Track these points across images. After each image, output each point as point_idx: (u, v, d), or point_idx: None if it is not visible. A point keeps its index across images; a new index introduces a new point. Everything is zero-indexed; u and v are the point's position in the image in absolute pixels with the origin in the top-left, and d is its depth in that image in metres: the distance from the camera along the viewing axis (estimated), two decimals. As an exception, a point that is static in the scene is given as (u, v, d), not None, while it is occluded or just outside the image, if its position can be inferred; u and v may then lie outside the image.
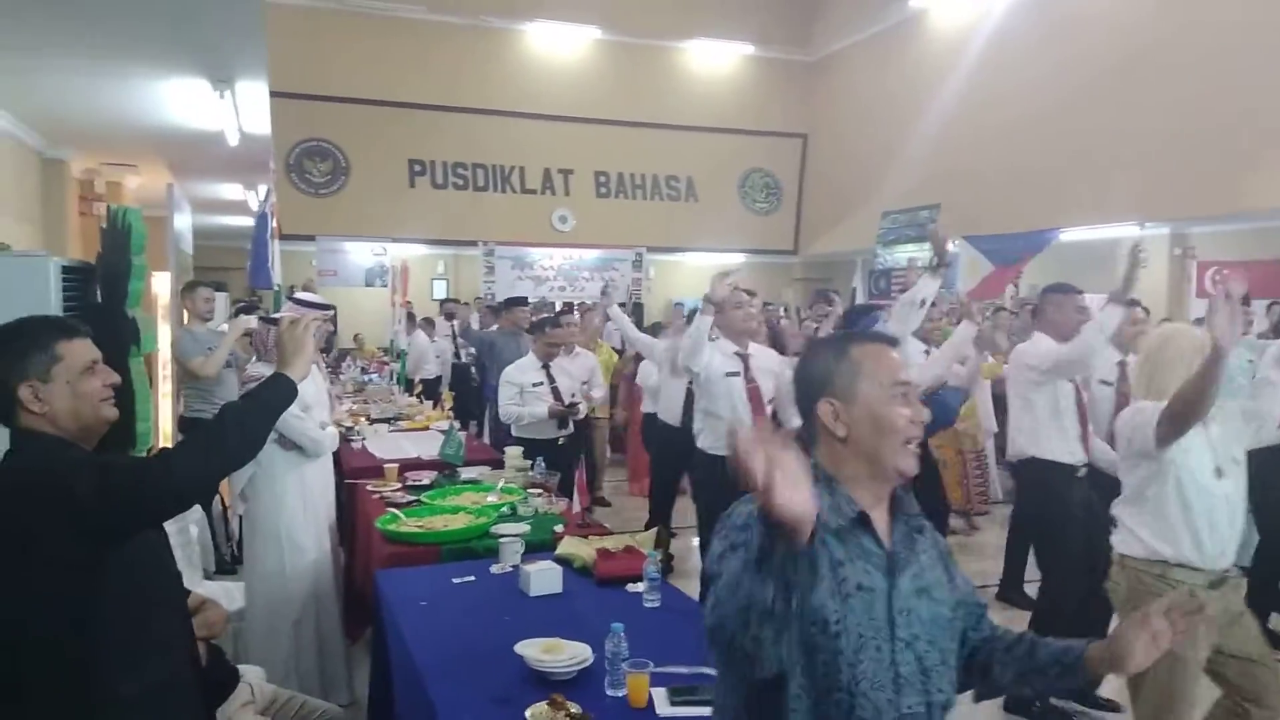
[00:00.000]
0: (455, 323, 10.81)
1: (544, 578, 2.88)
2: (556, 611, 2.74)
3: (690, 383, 4.88)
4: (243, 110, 4.76)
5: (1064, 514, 3.90)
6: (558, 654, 2.27)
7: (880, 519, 1.50)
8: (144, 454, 3.24)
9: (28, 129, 5.24)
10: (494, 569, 3.12)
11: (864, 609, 1.41)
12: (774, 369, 4.39)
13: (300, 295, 4.10)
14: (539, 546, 3.37)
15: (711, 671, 2.25)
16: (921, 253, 11.00)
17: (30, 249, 5.42)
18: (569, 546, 3.19)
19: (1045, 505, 4.00)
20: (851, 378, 1.48)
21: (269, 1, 3.87)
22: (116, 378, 1.90)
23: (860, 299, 11.72)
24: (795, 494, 1.11)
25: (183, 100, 4.48)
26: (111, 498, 1.70)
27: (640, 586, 2.83)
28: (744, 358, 4.29)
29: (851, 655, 1.39)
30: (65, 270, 3.11)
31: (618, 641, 2.15)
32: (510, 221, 12.62)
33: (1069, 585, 3.87)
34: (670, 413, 5.67)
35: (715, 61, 13.76)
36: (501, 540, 3.23)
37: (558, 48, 12.99)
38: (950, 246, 3.87)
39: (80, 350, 1.84)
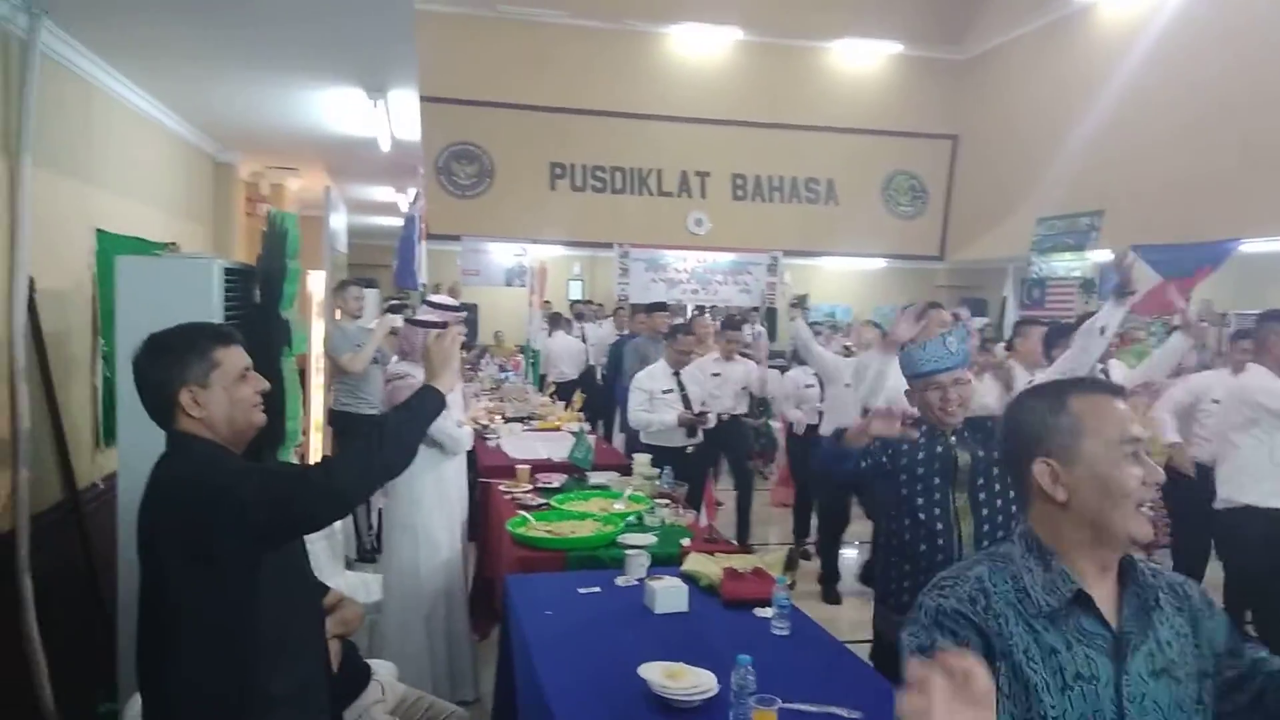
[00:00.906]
0: (584, 325, 10.95)
1: (669, 596, 2.83)
2: (681, 632, 2.68)
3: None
4: (395, 117, 4.93)
5: None
6: (681, 681, 2.21)
7: (1105, 593, 1.32)
8: (292, 450, 3.39)
9: (203, 134, 5.60)
10: (619, 581, 3.10)
11: (1087, 702, 1.25)
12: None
13: (434, 298, 4.20)
14: (664, 560, 3.33)
15: (844, 713, 2.15)
16: (1080, 262, 10.35)
17: (201, 247, 5.82)
18: (695, 563, 3.12)
19: (1266, 559, 3.63)
20: (1073, 435, 1.31)
21: (420, 10, 3.98)
22: (267, 384, 1.97)
23: (1011, 309, 11.13)
24: None
25: (340, 108, 4.68)
26: (277, 504, 1.76)
27: (768, 612, 2.74)
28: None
29: None
30: (227, 272, 3.27)
31: (744, 674, 2.06)
32: (646, 224, 12.67)
33: None
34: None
35: (861, 61, 13.39)
36: (628, 552, 3.20)
37: (699, 49, 12.94)
38: (1127, 261, 3.61)
39: (236, 357, 1.90)
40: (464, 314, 4.21)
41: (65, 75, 3.59)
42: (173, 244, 4.94)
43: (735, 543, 6.27)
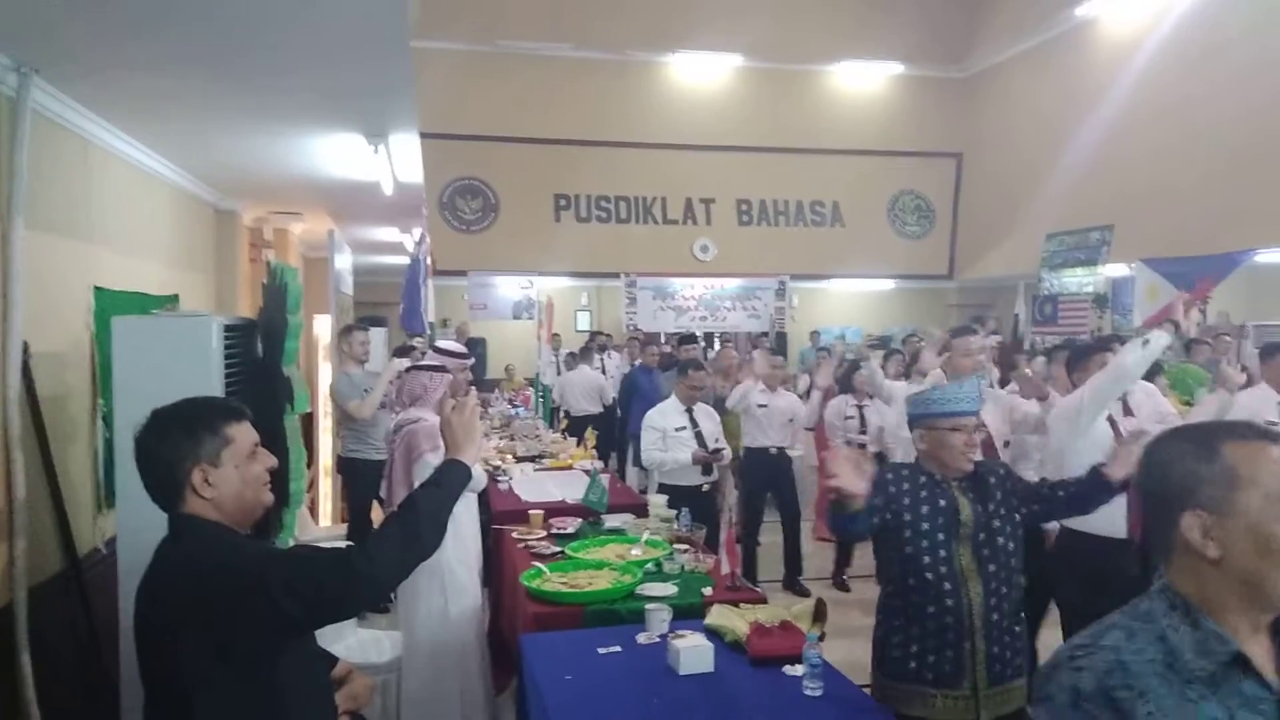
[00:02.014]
0: (604, 356, 10.80)
1: (694, 656, 2.70)
2: (707, 694, 2.55)
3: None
4: (396, 161, 4.88)
5: None
6: (711, 755, 2.08)
7: (1260, 651, 1.20)
8: (296, 510, 3.28)
9: (203, 184, 5.56)
10: (641, 639, 2.96)
11: None
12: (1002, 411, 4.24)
13: (441, 344, 4.11)
14: (686, 611, 3.20)
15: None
16: (1092, 278, 10.22)
17: (205, 298, 5.75)
18: (720, 617, 2.99)
19: None
20: (1227, 486, 1.19)
21: (418, 48, 3.92)
22: (275, 461, 1.88)
23: (1024, 325, 10.99)
24: None
25: (340, 154, 4.62)
26: (313, 592, 1.66)
27: (799, 670, 2.61)
28: None
29: None
30: (226, 329, 3.19)
31: (778, 751, 1.94)
32: (652, 252, 12.61)
33: None
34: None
35: (862, 83, 13.36)
36: (648, 607, 3.07)
37: (700, 77, 12.94)
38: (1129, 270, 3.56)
39: (247, 433, 1.81)
40: (470, 360, 4.13)
41: (59, 133, 3.53)
42: (174, 297, 4.88)
43: (782, 586, 6.13)
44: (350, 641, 4.05)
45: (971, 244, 13.42)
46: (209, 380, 3.05)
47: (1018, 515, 2.69)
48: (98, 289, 3.81)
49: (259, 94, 3.58)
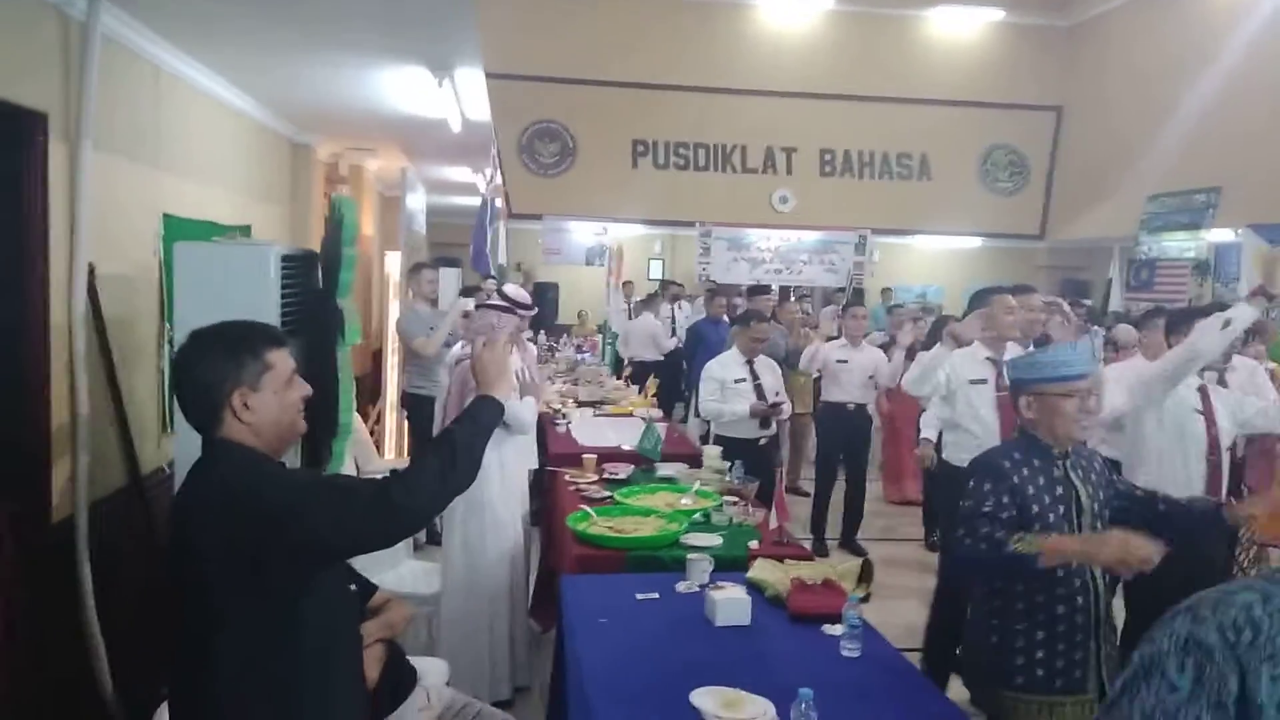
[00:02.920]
0: (676, 306, 10.74)
1: (731, 608, 2.65)
2: (742, 647, 2.50)
3: None
4: (464, 97, 4.81)
5: None
6: (737, 711, 2.03)
7: None
8: (345, 443, 3.32)
9: (278, 116, 5.60)
10: (680, 587, 2.93)
11: None
12: None
13: (508, 289, 4.10)
14: (730, 563, 3.15)
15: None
16: (1194, 242, 9.64)
17: (278, 230, 5.84)
18: (761, 571, 2.93)
19: None
20: None
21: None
22: (309, 390, 1.85)
23: (1116, 291, 10.47)
24: None
25: (407, 88, 4.59)
26: (350, 521, 1.67)
27: (838, 630, 2.53)
28: (997, 364, 3.85)
29: None
30: (285, 259, 3.21)
31: (805, 712, 1.87)
32: (729, 202, 12.36)
33: None
34: None
35: (958, 29, 12.72)
36: (690, 556, 3.02)
37: (787, 21, 12.49)
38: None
39: (285, 360, 1.79)
40: (533, 311, 4.13)
41: (130, 59, 3.57)
42: (247, 228, 4.96)
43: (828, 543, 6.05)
44: (401, 570, 4.13)
45: (1066, 203, 12.78)
46: (266, 308, 3.08)
47: (1110, 507, 2.45)
48: (166, 215, 3.88)
49: (325, 23, 3.54)
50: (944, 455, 4.02)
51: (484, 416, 1.92)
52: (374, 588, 2.45)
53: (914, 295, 13.55)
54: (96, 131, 3.12)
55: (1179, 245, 9.84)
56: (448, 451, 1.80)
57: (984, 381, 3.83)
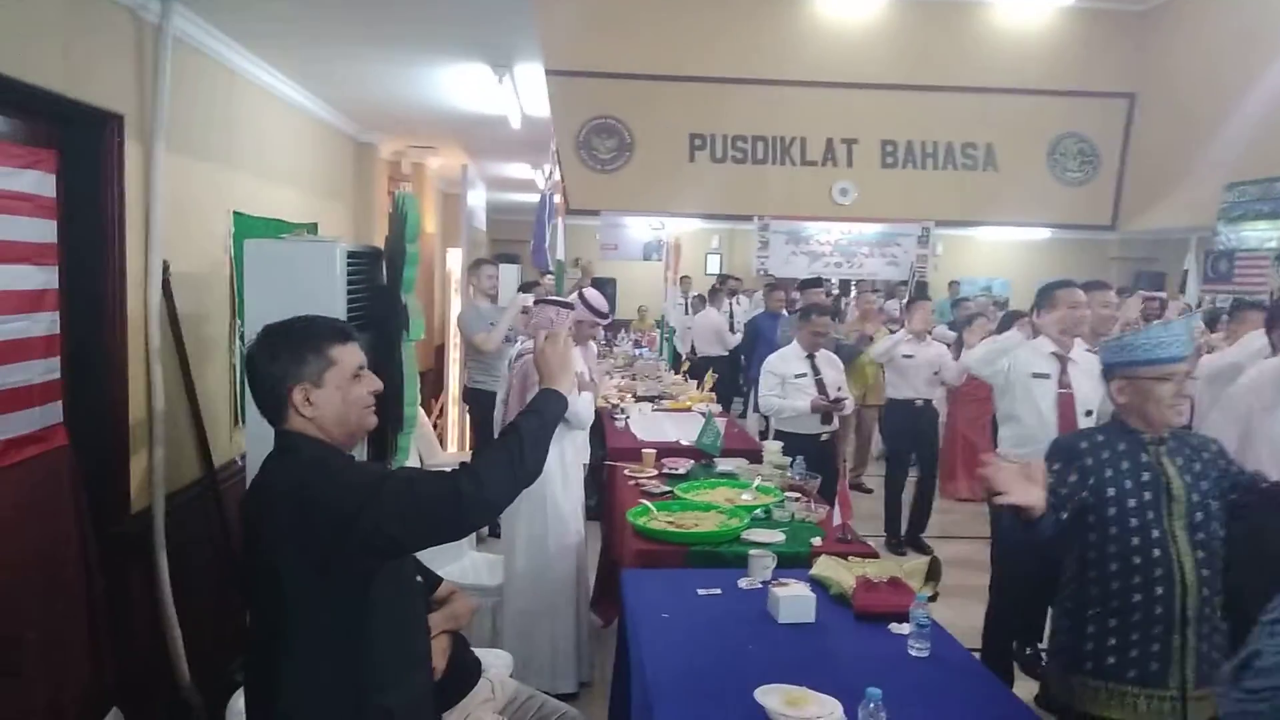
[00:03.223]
0: (734, 300, 10.69)
1: (795, 605, 2.61)
2: (806, 645, 2.46)
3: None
4: (523, 94, 4.84)
5: None
6: (802, 709, 1.99)
7: None
8: (410, 436, 3.36)
9: (343, 116, 5.70)
10: (742, 583, 2.90)
11: None
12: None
13: (588, 295, 4.17)
14: (792, 560, 3.12)
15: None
16: (1276, 232, 9.24)
17: (343, 227, 5.95)
18: (826, 568, 2.88)
19: None
20: None
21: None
22: (379, 385, 1.87)
23: (1193, 282, 10.10)
24: None
25: (468, 86, 4.63)
26: (417, 514, 1.67)
27: (905, 629, 2.48)
28: (1062, 360, 3.75)
29: None
30: (350, 255, 3.26)
31: (874, 712, 1.83)
32: (788, 195, 12.21)
33: None
34: None
35: (1026, 16, 12.37)
36: (752, 552, 2.99)
37: (848, 11, 12.29)
38: None
39: (351, 355, 1.81)
40: (605, 320, 4.20)
41: (201, 60, 3.66)
42: (313, 225, 5.06)
43: (897, 541, 5.97)
44: (464, 563, 4.17)
45: (1139, 193, 12.35)
46: (332, 304, 3.12)
47: (1225, 500, 2.31)
48: (236, 213, 3.97)
49: (388, 23, 3.59)
50: (999, 448, 3.94)
51: (549, 409, 1.93)
52: (439, 579, 2.48)
53: (979, 288, 13.26)
54: (170, 132, 3.21)
55: (1259, 235, 9.44)
56: (515, 444, 1.79)
57: (1047, 376, 3.75)
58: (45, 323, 2.76)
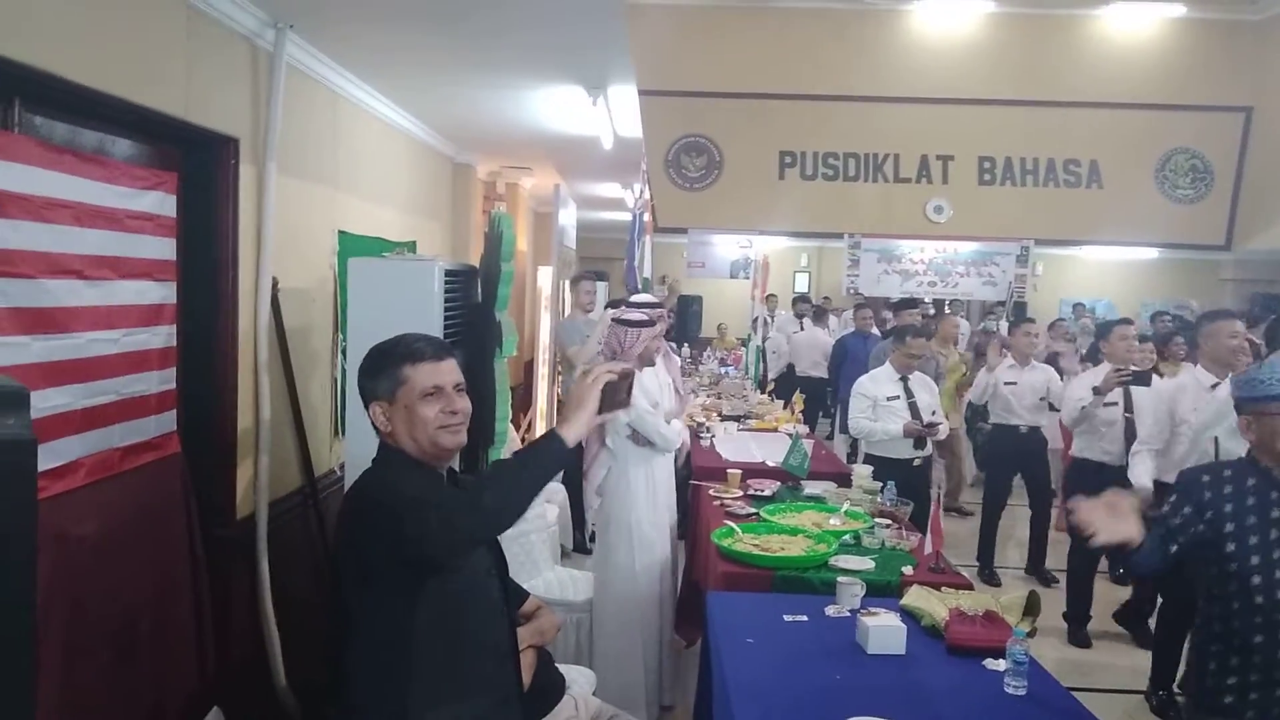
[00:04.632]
0: (826, 322, 10.56)
1: (885, 636, 2.54)
2: (896, 678, 2.39)
3: None
4: (615, 115, 4.90)
5: None
6: (891, 744, 1.94)
7: None
8: (499, 452, 3.42)
9: (442, 138, 5.87)
10: (829, 611, 2.84)
11: None
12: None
13: (636, 298, 4.11)
14: (882, 589, 3.05)
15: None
16: None
17: (440, 246, 6.12)
18: (917, 598, 2.81)
19: None
20: None
21: (635, 4, 3.88)
22: (460, 405, 1.85)
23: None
24: None
25: (562, 108, 4.72)
26: (426, 533, 1.66)
27: (1000, 665, 2.39)
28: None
29: None
30: (448, 274, 3.35)
31: (967, 751, 1.77)
32: (880, 212, 12.00)
33: None
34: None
35: (1133, 27, 11.92)
36: (840, 579, 2.93)
37: (944, 25, 12.06)
38: None
39: (426, 375, 1.82)
40: (661, 310, 4.11)
41: (311, 85, 3.82)
42: (412, 243, 5.22)
43: (1029, 575, 5.79)
44: (549, 577, 4.21)
45: (1256, 210, 11.72)
46: (430, 320, 3.23)
47: None
48: (341, 232, 4.12)
49: (487, 49, 3.70)
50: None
51: (541, 453, 1.74)
52: (525, 594, 2.50)
53: (1085, 309, 12.79)
54: (281, 154, 3.36)
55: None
56: (482, 485, 1.76)
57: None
58: (163, 335, 2.91)
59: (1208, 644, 2.30)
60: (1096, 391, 4.60)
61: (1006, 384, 5.68)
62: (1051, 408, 5.77)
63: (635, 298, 4.17)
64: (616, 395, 1.79)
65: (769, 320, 10.46)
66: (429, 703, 1.77)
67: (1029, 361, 5.77)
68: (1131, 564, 2.19)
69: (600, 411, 1.76)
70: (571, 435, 1.72)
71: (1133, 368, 4.68)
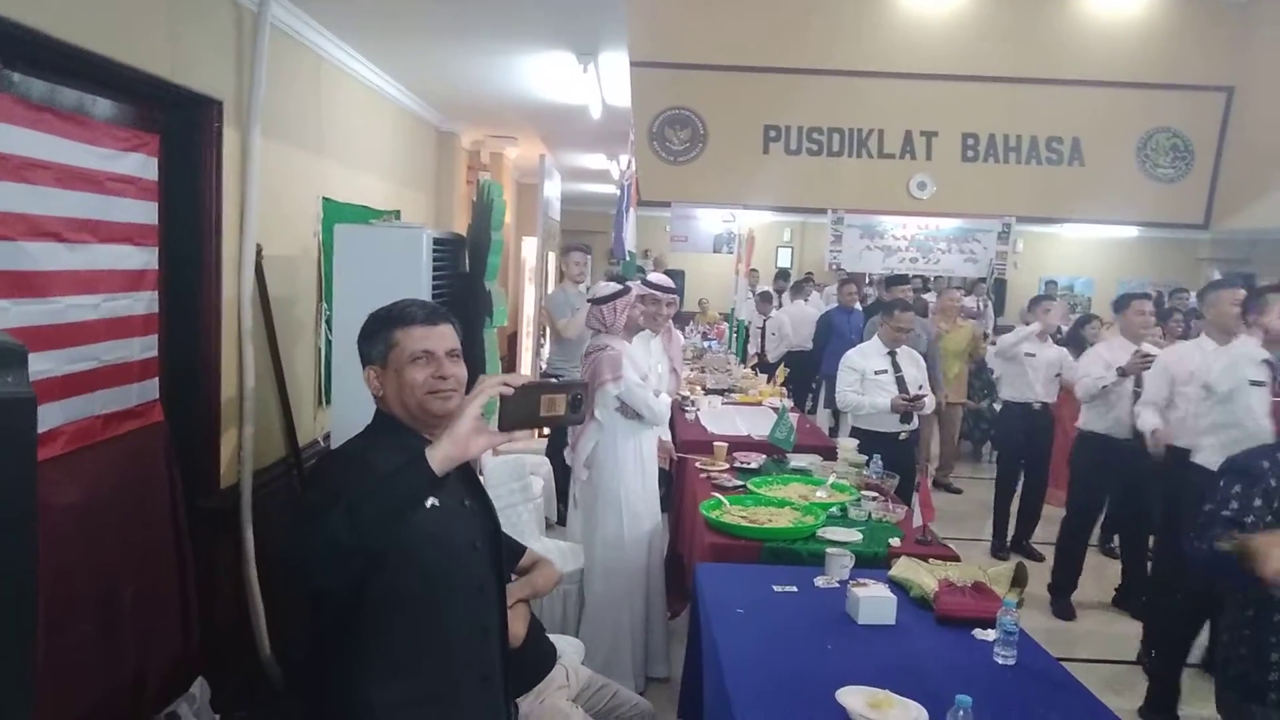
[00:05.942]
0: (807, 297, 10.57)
1: (875, 606, 2.56)
2: (886, 648, 2.41)
3: None
4: (605, 83, 4.84)
5: None
6: (886, 712, 1.95)
7: None
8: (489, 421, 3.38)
9: (427, 105, 5.78)
10: (819, 582, 2.86)
11: None
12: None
13: (653, 278, 4.12)
14: (869, 560, 3.06)
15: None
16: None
17: (424, 215, 6.04)
18: (906, 570, 2.82)
19: None
20: None
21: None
22: (451, 371, 1.79)
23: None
24: None
25: (552, 75, 4.65)
26: (297, 543, 1.59)
27: (990, 635, 2.41)
28: (1273, 365, 3.59)
29: None
30: (435, 241, 3.31)
31: (961, 718, 1.78)
32: (863, 188, 12.02)
33: None
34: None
35: (1118, 6, 11.93)
36: (829, 551, 2.95)
37: (930, 2, 12.02)
38: None
39: (416, 339, 1.78)
40: (672, 292, 4.16)
41: (296, 48, 3.74)
42: (397, 212, 5.15)
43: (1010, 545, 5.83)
44: (536, 548, 4.19)
45: (1235, 190, 11.83)
46: (417, 289, 3.18)
47: None
48: (325, 199, 4.05)
49: (477, 11, 3.62)
50: (1198, 459, 3.74)
51: (397, 481, 1.51)
52: (522, 548, 2.48)
53: (1060, 287, 12.90)
54: (265, 118, 3.28)
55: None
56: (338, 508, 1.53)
57: (1262, 384, 3.57)
58: (145, 301, 2.85)
59: (1268, 635, 2.21)
60: (1122, 373, 4.60)
61: (1027, 354, 5.67)
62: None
63: (651, 277, 4.19)
64: (524, 411, 1.54)
65: (750, 295, 10.45)
66: (379, 678, 1.69)
67: (1047, 338, 5.79)
68: (1203, 563, 2.14)
69: (504, 428, 1.55)
70: (438, 460, 1.50)
71: (1155, 350, 4.67)
